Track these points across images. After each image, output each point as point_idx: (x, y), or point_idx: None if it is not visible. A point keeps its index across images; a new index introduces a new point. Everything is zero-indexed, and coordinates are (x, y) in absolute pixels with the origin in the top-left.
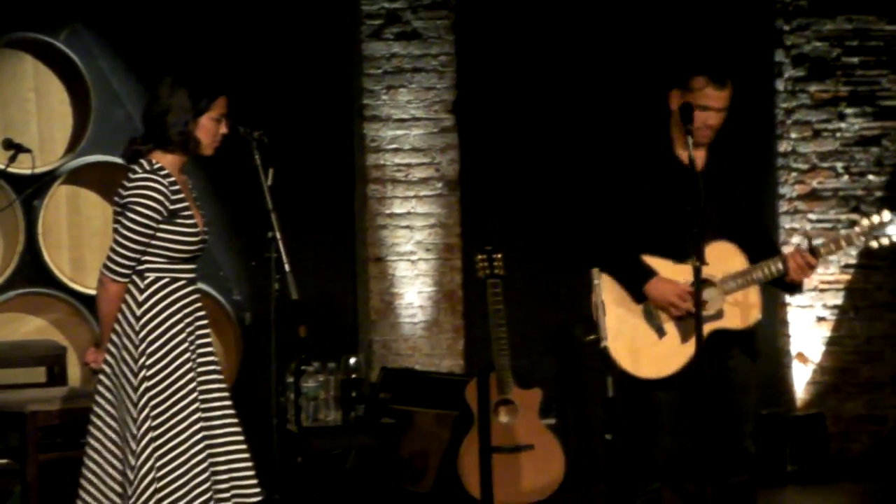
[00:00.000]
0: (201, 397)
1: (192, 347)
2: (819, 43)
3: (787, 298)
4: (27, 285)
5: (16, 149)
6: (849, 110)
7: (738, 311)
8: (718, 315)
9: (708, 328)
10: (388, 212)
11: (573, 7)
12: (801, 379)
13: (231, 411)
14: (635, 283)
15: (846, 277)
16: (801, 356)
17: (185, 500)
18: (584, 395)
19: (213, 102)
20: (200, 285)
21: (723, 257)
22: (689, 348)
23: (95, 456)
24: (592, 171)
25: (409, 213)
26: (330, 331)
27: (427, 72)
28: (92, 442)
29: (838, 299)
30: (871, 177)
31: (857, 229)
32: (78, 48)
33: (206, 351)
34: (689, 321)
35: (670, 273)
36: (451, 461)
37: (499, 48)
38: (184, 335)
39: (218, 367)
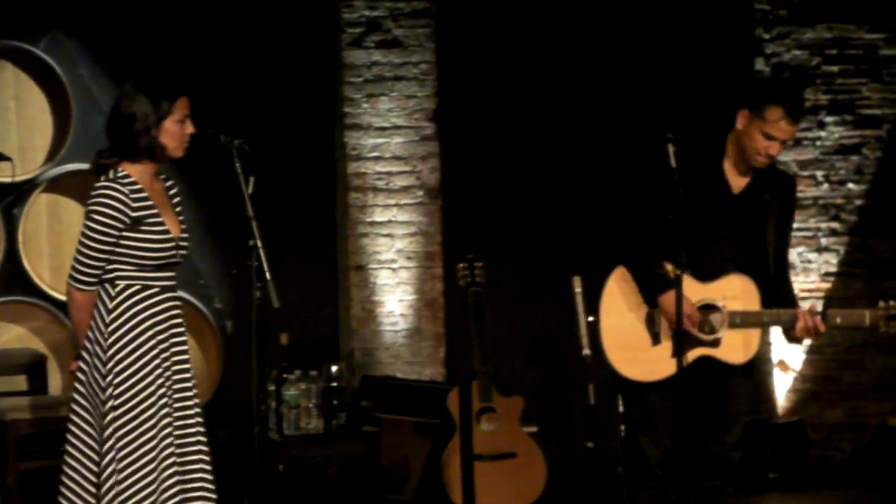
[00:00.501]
0: (175, 405)
1: (161, 356)
2: (799, 51)
3: None
4: (7, 293)
5: None
6: (829, 119)
7: (736, 347)
8: (716, 343)
9: (701, 352)
10: (369, 220)
11: (554, 15)
12: (783, 387)
13: (202, 426)
14: (653, 289)
15: (826, 286)
16: (782, 364)
17: (139, 499)
18: (566, 403)
19: (173, 105)
20: (180, 293)
21: (739, 292)
22: (676, 364)
23: (73, 462)
24: (573, 177)
25: (390, 222)
26: (311, 339)
27: (408, 80)
28: (69, 449)
29: (819, 307)
30: (851, 185)
31: (874, 312)
32: (58, 56)
33: (181, 360)
34: (686, 338)
35: (689, 291)
36: (433, 469)
37: (480, 56)
38: (152, 343)
39: (191, 378)
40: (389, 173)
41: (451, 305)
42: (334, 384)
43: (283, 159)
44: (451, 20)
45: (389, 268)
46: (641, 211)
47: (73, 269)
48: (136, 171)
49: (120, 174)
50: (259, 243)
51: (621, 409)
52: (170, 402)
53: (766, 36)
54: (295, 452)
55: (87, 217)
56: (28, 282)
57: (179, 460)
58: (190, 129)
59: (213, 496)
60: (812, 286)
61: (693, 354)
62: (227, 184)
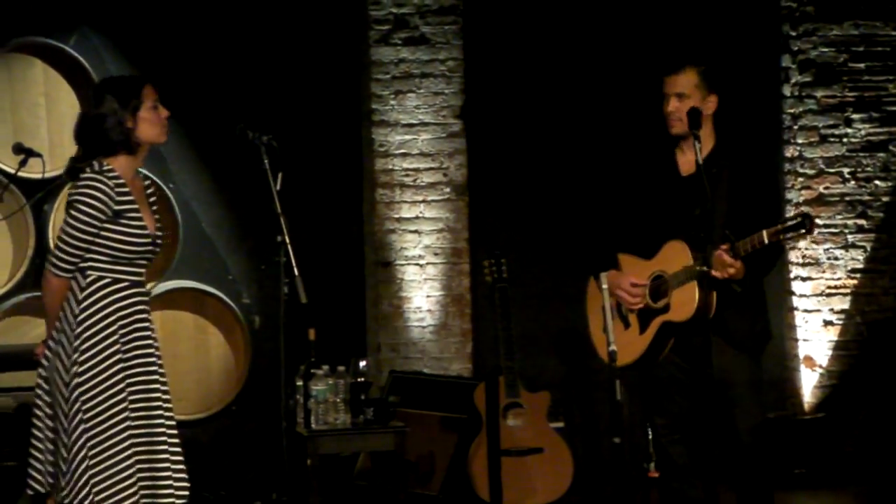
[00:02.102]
0: (138, 396)
1: (125, 348)
2: (825, 48)
3: (795, 303)
4: (37, 289)
5: (26, 153)
6: (855, 116)
7: (679, 305)
8: (665, 309)
9: (658, 320)
10: (396, 216)
11: (581, 13)
12: (809, 382)
13: (170, 413)
14: (596, 276)
15: (853, 282)
16: (808, 360)
17: (118, 489)
18: (593, 399)
19: (141, 94)
20: (209, 288)
21: (674, 255)
22: (645, 339)
23: (36, 442)
24: (599, 175)
25: (417, 218)
26: (339, 334)
27: (435, 77)
28: (34, 431)
29: (845, 304)
30: (877, 182)
31: (770, 230)
32: (87, 52)
33: (147, 353)
34: (646, 314)
35: (636, 269)
36: (459, 464)
37: (506, 53)
38: (117, 336)
39: (159, 367)
40: (417, 170)
41: (478, 301)
42: (361, 379)
43: (310, 156)
44: (479, 17)
45: (416, 264)
46: (606, 210)
47: (54, 256)
48: (117, 165)
49: (105, 167)
50: (287, 239)
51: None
52: (131, 395)
53: (793, 33)
54: (322, 447)
55: (72, 206)
56: None
57: (144, 448)
58: (164, 112)
59: (184, 485)
60: (839, 283)
61: (654, 325)
62: (256, 180)
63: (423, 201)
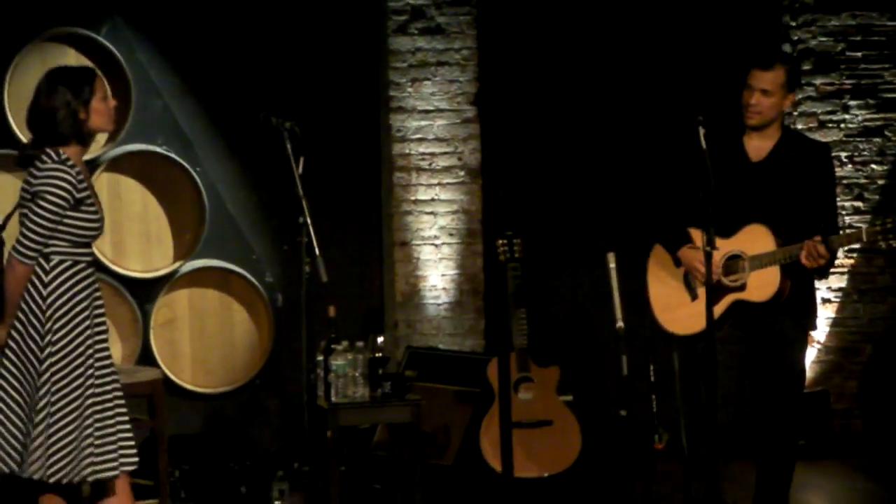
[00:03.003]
0: (97, 366)
1: (92, 323)
2: (824, 38)
3: None
4: None
5: None
6: (852, 102)
7: (760, 287)
8: (742, 288)
9: (732, 297)
10: (412, 198)
11: (591, 3)
12: (808, 358)
13: (119, 384)
14: (673, 249)
15: (850, 262)
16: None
17: (73, 464)
18: (600, 373)
19: (94, 86)
20: (234, 267)
21: (756, 238)
22: (715, 312)
23: (4, 425)
24: (607, 158)
25: (433, 200)
26: (358, 311)
27: (450, 65)
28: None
29: (842, 283)
30: (873, 166)
31: (870, 228)
32: (118, 42)
33: (103, 329)
34: (719, 290)
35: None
36: (472, 436)
37: (519, 43)
38: (86, 313)
39: (107, 340)
40: (432, 154)
41: (491, 280)
42: (380, 354)
43: (331, 141)
44: (492, 8)
45: (432, 244)
46: (666, 187)
47: (20, 243)
48: (71, 155)
49: (63, 157)
50: (308, 221)
51: (653, 378)
52: (94, 362)
53: (793, 23)
54: (342, 419)
55: (38, 196)
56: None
57: (99, 416)
58: (112, 102)
59: (133, 451)
60: (836, 262)
61: (725, 301)
62: (279, 164)
63: (439, 184)
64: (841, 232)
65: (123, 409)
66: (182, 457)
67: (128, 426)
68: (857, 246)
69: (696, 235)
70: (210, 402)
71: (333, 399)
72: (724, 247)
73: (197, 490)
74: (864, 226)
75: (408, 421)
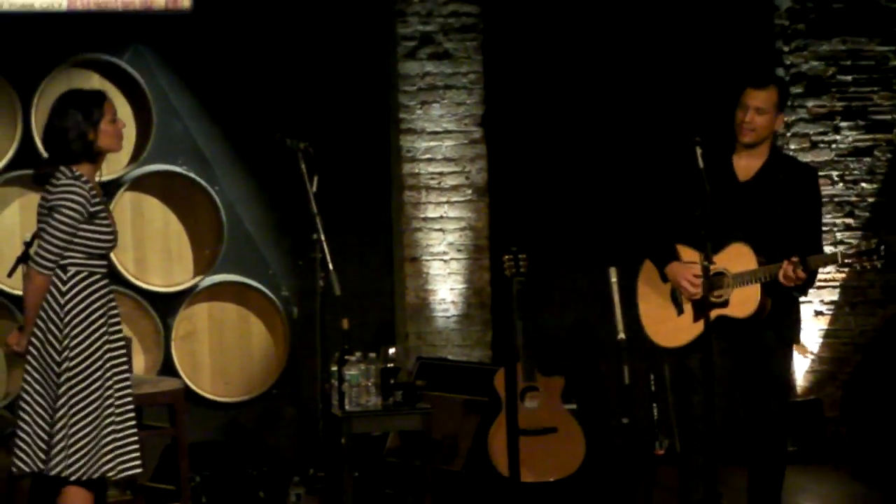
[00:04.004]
0: (115, 370)
1: (109, 331)
2: (816, 62)
3: None
4: None
5: None
6: (843, 124)
7: (741, 303)
8: (725, 304)
9: (715, 313)
10: (422, 216)
11: (591, 30)
12: (801, 368)
13: (131, 390)
14: (660, 264)
15: (841, 276)
16: (800, 347)
17: (92, 461)
18: (603, 383)
19: (103, 108)
20: (251, 281)
21: (739, 256)
22: (698, 327)
23: (25, 426)
24: (609, 176)
25: (441, 217)
26: (370, 324)
27: (458, 88)
28: (22, 414)
29: (834, 296)
30: (863, 184)
31: (847, 251)
32: (140, 67)
33: (119, 337)
34: (701, 304)
35: (697, 262)
36: (481, 443)
37: (523, 67)
38: (102, 320)
39: (125, 346)
40: (441, 173)
41: (498, 294)
42: (391, 365)
43: (343, 161)
44: (498, 35)
45: (441, 259)
46: (656, 204)
47: (38, 254)
48: (84, 172)
49: (77, 173)
50: (322, 237)
51: (653, 387)
52: (111, 366)
53: (786, 48)
54: (355, 427)
55: (55, 209)
56: (114, 272)
57: (117, 418)
58: (121, 124)
59: (137, 454)
60: (829, 276)
61: (710, 315)
62: (293, 183)
63: (447, 202)
64: (829, 250)
65: (133, 415)
66: (202, 463)
67: (136, 430)
68: (849, 261)
69: (684, 251)
70: (229, 411)
71: (347, 408)
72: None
73: (217, 495)
74: (841, 249)
75: (418, 428)
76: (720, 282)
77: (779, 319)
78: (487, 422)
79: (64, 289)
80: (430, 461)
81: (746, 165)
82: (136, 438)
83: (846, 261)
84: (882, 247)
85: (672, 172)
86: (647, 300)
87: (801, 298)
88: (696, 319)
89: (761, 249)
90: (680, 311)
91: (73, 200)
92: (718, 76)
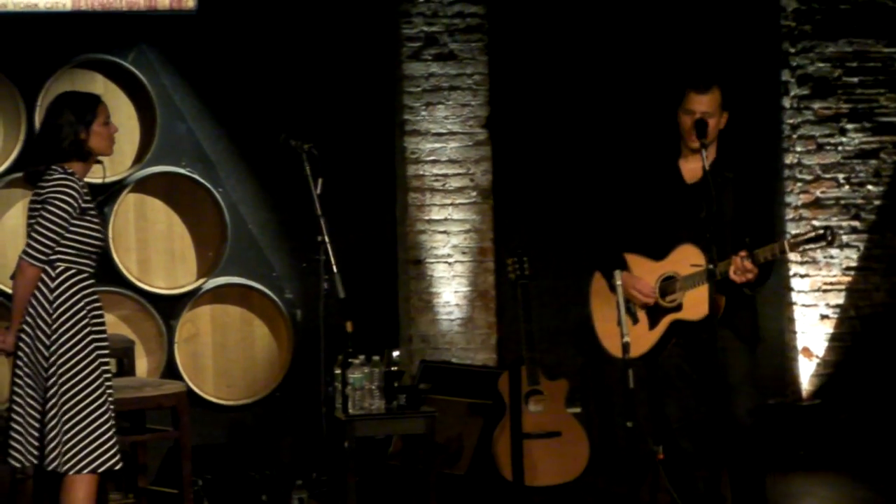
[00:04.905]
0: (103, 368)
1: (95, 329)
2: (822, 64)
3: (794, 298)
4: (99, 284)
5: None
6: (849, 126)
7: (692, 306)
8: (678, 308)
9: (670, 318)
10: (426, 218)
11: (596, 32)
12: (807, 372)
13: (112, 387)
14: (608, 275)
15: (847, 279)
16: (806, 351)
17: (89, 454)
18: (607, 386)
19: (97, 110)
20: (255, 284)
21: (687, 258)
22: (655, 334)
23: (17, 420)
24: (610, 179)
25: (445, 220)
26: (374, 327)
27: (462, 90)
28: (14, 408)
29: (840, 299)
30: (869, 187)
31: (793, 238)
32: (144, 68)
33: (103, 337)
34: (657, 311)
35: (645, 269)
36: (485, 446)
37: (528, 69)
38: (89, 318)
39: (109, 346)
40: (445, 175)
41: (502, 296)
42: (395, 368)
43: (348, 162)
44: (503, 36)
45: (445, 262)
46: (607, 215)
47: (30, 247)
48: (76, 170)
49: (69, 170)
50: (326, 239)
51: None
52: (100, 363)
53: (792, 49)
54: (359, 430)
55: (48, 202)
56: (118, 274)
57: (111, 412)
58: (114, 128)
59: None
60: (834, 280)
61: (665, 322)
62: (298, 185)
63: (452, 204)
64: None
65: (113, 414)
66: (205, 466)
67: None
68: (854, 264)
69: (633, 261)
70: (232, 414)
71: (350, 411)
72: (658, 269)
73: (219, 498)
74: (785, 241)
75: (422, 432)
76: (671, 286)
77: (735, 318)
78: (491, 425)
79: (52, 285)
80: (434, 465)
81: (694, 168)
82: (114, 434)
83: (795, 249)
84: (827, 232)
85: (624, 179)
86: (601, 312)
87: (806, 301)
88: (651, 327)
89: (712, 250)
90: (635, 321)
91: (66, 193)
92: (724, 79)
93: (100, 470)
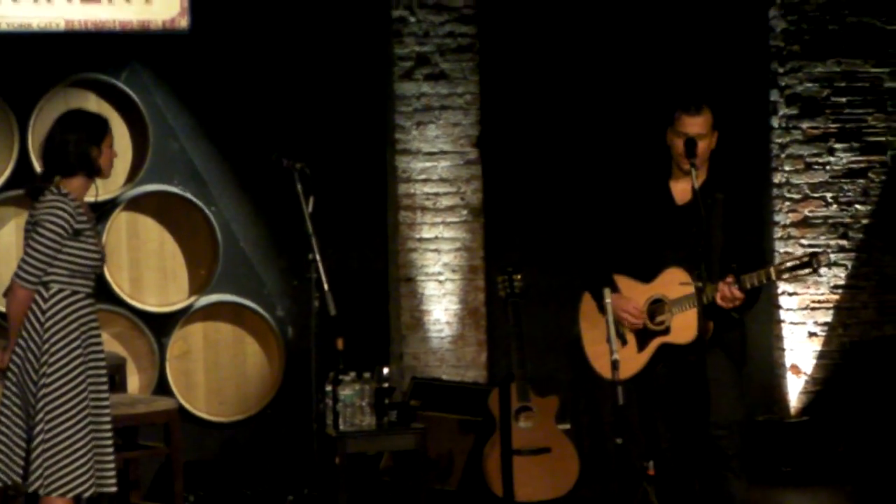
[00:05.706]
0: (91, 388)
1: (86, 352)
2: (810, 84)
3: (782, 316)
4: None
5: None
6: (838, 145)
7: (681, 329)
8: (666, 331)
9: (658, 341)
10: (417, 236)
11: (590, 51)
12: (795, 389)
13: (109, 410)
14: (597, 296)
15: (835, 297)
16: (794, 368)
17: (69, 478)
18: (597, 403)
19: (105, 132)
20: (246, 301)
21: (675, 281)
22: (643, 357)
23: (3, 438)
24: (599, 198)
25: (436, 238)
26: (365, 344)
27: (453, 109)
28: (2, 428)
29: (828, 317)
30: (857, 206)
31: (780, 265)
32: (136, 87)
33: (100, 357)
34: (645, 334)
35: (634, 292)
36: (475, 462)
37: (519, 88)
38: (79, 341)
39: (105, 367)
40: (436, 194)
41: (492, 314)
42: (386, 385)
43: (339, 181)
44: (494, 55)
45: (436, 280)
46: (597, 236)
47: (21, 269)
48: (72, 188)
49: (63, 191)
50: (318, 257)
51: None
52: (89, 386)
53: (781, 70)
54: (350, 447)
55: (39, 225)
56: (110, 292)
57: (97, 435)
58: (115, 153)
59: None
60: (822, 298)
61: (653, 345)
62: (289, 203)
63: (442, 223)
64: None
65: (111, 434)
66: (197, 483)
67: (112, 449)
68: (842, 283)
69: (622, 282)
70: (223, 431)
71: (341, 427)
72: (647, 291)
73: None
74: (772, 268)
75: (413, 448)
76: (660, 309)
77: (723, 341)
78: (482, 442)
79: (45, 306)
80: (425, 481)
81: (684, 189)
82: (112, 458)
83: (781, 277)
84: (813, 259)
85: (615, 199)
86: (590, 335)
87: (794, 319)
88: (640, 349)
89: (700, 272)
90: (624, 342)
91: (56, 216)
92: (714, 98)
93: (69, 495)
